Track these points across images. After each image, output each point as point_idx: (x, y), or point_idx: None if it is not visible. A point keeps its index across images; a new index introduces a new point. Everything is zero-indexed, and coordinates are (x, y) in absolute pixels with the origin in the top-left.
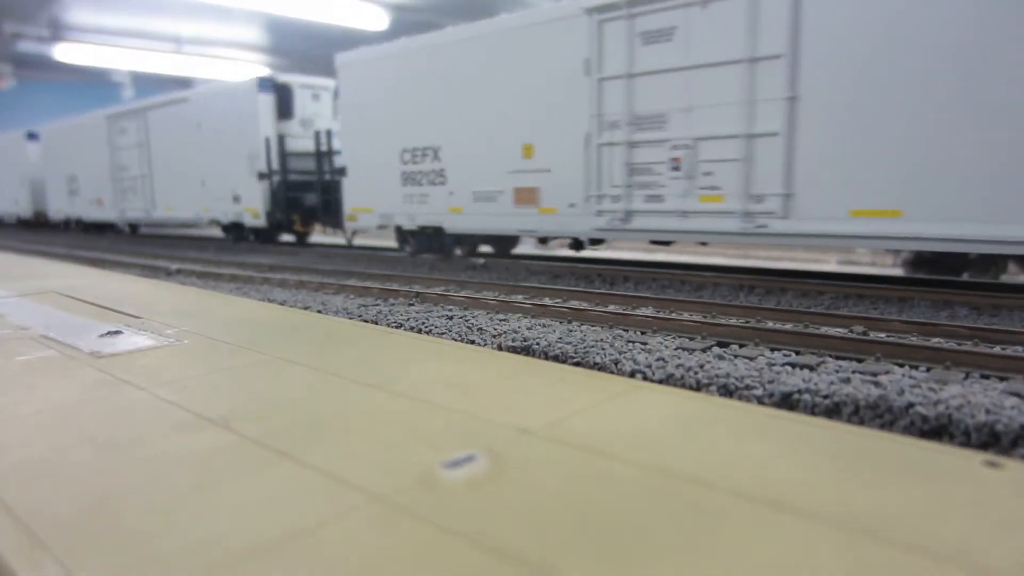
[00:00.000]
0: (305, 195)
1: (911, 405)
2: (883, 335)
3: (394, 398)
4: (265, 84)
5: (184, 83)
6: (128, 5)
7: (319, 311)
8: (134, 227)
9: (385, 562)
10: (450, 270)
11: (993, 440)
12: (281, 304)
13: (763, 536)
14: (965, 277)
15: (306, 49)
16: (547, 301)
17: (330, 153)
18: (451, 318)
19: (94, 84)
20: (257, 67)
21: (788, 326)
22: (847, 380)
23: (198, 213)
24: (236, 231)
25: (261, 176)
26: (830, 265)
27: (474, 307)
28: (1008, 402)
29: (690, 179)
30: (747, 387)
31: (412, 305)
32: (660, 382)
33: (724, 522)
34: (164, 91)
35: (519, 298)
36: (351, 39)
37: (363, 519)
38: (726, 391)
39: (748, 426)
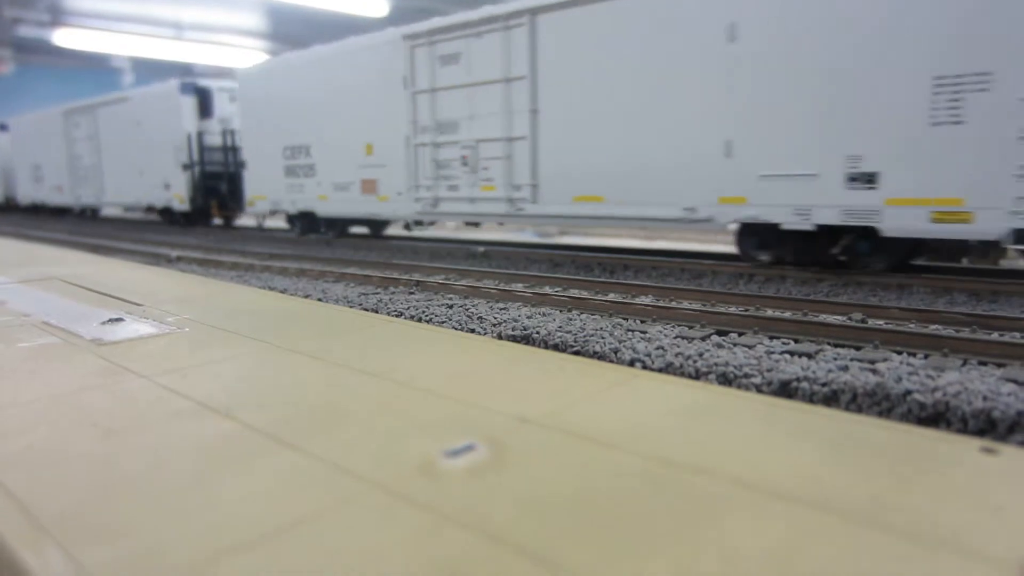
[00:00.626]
0: (220, 184)
1: (909, 392)
2: (881, 322)
3: (394, 387)
4: (187, 87)
5: (185, 69)
6: None
7: (319, 299)
8: (95, 212)
9: (385, 550)
10: (451, 259)
11: (990, 427)
12: (282, 292)
13: (761, 523)
14: (964, 263)
15: (306, 35)
16: (547, 290)
17: (235, 148)
18: (451, 307)
19: (94, 69)
20: (257, 53)
21: (787, 314)
22: (845, 368)
23: (138, 198)
24: (168, 215)
25: (185, 167)
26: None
27: (474, 296)
28: (1005, 388)
29: (474, 172)
30: (746, 375)
31: (412, 294)
32: (659, 371)
33: (722, 510)
34: (164, 77)
35: (519, 287)
36: (351, 25)
37: (364, 507)
38: (725, 379)
39: (747, 414)
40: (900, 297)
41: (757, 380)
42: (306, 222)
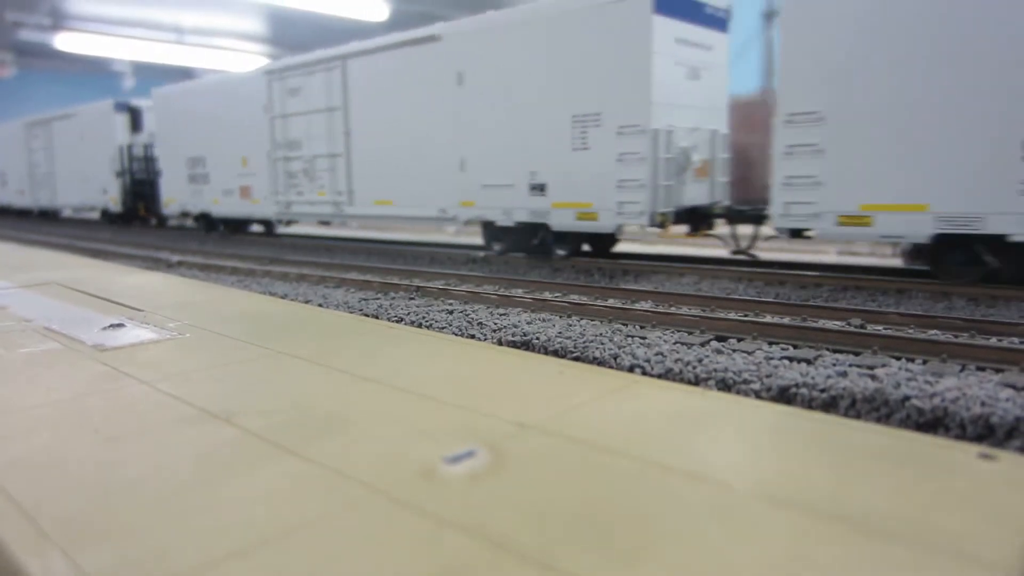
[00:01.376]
0: (145, 189)
1: (907, 398)
2: (880, 328)
3: (395, 393)
4: (120, 106)
5: (186, 73)
6: None
7: (320, 305)
8: (56, 213)
9: (386, 556)
10: (451, 264)
11: (988, 432)
12: (282, 298)
13: (760, 528)
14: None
15: (307, 39)
16: (547, 296)
17: (154, 159)
18: (451, 312)
19: (95, 73)
20: (258, 57)
21: (786, 320)
22: (844, 374)
23: (83, 200)
24: (106, 215)
25: (118, 174)
26: (829, 256)
27: (474, 301)
28: (1003, 394)
29: (312, 181)
30: (745, 381)
31: (412, 299)
32: (659, 376)
33: (721, 515)
34: (165, 81)
35: (519, 292)
36: (351, 30)
37: (365, 513)
38: (724, 385)
39: (746, 420)
40: (899, 302)
41: (756, 386)
42: (204, 222)
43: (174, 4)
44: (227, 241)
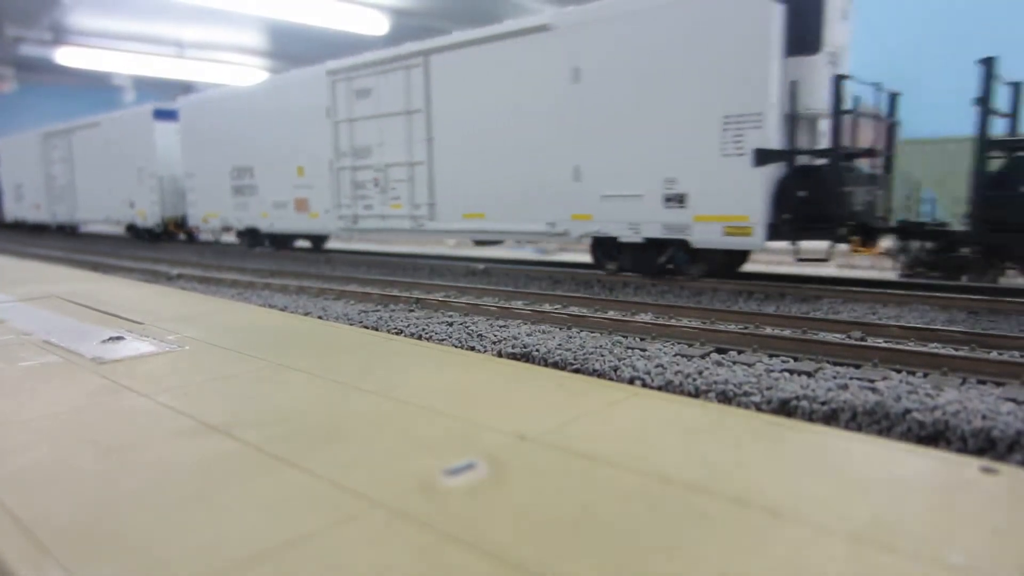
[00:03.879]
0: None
1: (908, 411)
2: (881, 341)
3: (394, 405)
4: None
5: (186, 87)
6: (130, 9)
7: (320, 317)
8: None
9: (386, 569)
10: (451, 276)
11: (989, 446)
12: (282, 310)
13: (762, 543)
14: (963, 281)
15: (306, 53)
16: (547, 307)
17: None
18: (451, 324)
19: (96, 88)
20: (258, 71)
21: (786, 332)
22: (845, 386)
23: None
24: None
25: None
26: (829, 269)
27: (474, 313)
28: (1004, 407)
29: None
30: (745, 393)
31: (412, 311)
32: (659, 389)
33: (722, 529)
34: (166, 95)
35: (519, 304)
36: (351, 44)
37: (364, 526)
38: (724, 398)
39: (746, 433)
40: (899, 314)
41: (757, 398)
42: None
43: (175, 18)
44: (226, 254)
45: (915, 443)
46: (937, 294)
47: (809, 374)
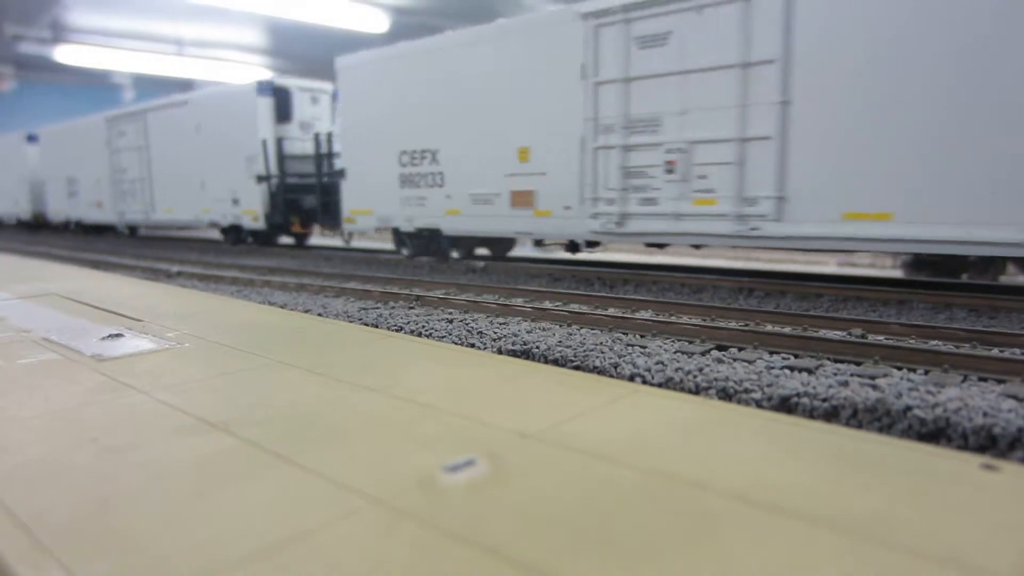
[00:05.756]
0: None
1: (909, 408)
2: (882, 338)
3: (394, 402)
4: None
5: (186, 85)
6: (129, 7)
7: (319, 314)
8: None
9: (385, 565)
10: (450, 273)
11: (991, 443)
12: (282, 307)
13: (762, 539)
14: (964, 279)
15: (307, 51)
16: (547, 304)
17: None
18: (451, 321)
19: (95, 86)
20: (258, 69)
21: (787, 329)
22: (845, 383)
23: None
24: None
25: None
26: (829, 267)
27: (474, 310)
28: (1005, 405)
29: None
30: (746, 390)
31: (412, 308)
32: (659, 386)
33: (723, 525)
34: (165, 93)
35: (519, 301)
36: (351, 42)
37: (364, 523)
38: (725, 395)
39: (747, 429)
40: (900, 312)
41: (757, 395)
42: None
43: (174, 16)
44: (224, 251)
45: (916, 440)
46: (938, 292)
47: (810, 371)
